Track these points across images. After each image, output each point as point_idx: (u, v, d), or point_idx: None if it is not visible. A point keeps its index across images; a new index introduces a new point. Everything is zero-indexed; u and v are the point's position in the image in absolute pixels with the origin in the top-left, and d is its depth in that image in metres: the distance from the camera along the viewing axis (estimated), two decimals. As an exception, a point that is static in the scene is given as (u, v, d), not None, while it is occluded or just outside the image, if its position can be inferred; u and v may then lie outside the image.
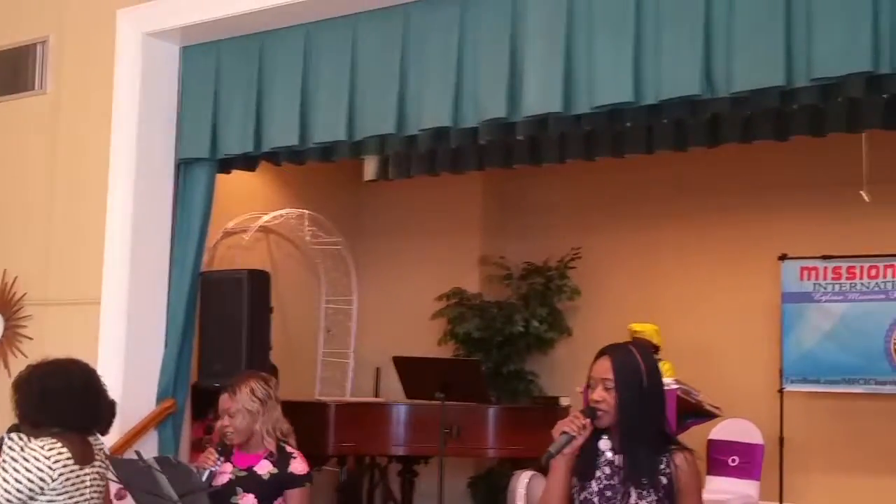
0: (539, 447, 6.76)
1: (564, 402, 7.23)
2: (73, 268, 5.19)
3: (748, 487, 6.91)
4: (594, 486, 2.65)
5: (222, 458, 3.33)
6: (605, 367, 2.68)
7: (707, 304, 7.69)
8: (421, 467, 7.54)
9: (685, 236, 7.91)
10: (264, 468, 3.37)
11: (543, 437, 6.89)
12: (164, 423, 4.97)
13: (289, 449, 3.44)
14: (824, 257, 7.28)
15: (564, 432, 2.73)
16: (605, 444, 2.70)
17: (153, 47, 5.13)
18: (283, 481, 3.37)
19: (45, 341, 5.20)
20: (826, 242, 7.28)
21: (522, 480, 6.34)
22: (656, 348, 6.81)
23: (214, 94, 5.09)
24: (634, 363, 2.68)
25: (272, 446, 3.39)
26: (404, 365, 5.74)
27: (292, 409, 7.14)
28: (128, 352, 4.89)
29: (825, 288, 7.28)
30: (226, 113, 5.06)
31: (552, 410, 7.29)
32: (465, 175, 7.17)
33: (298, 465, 3.41)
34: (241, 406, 3.37)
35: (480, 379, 5.87)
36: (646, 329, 6.84)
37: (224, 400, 3.41)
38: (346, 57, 4.70)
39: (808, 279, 7.33)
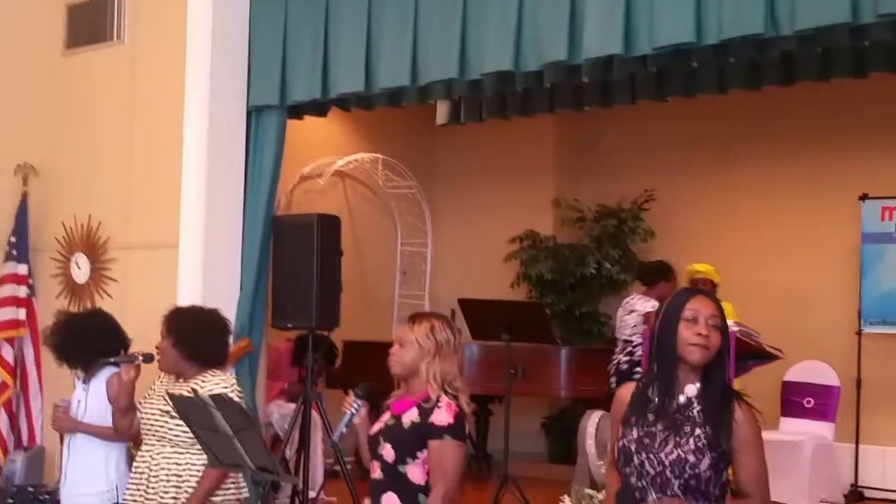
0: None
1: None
2: (153, 213, 5.42)
3: (823, 429, 6.84)
4: (634, 432, 2.58)
5: (360, 402, 3.05)
6: (711, 307, 2.57)
7: (784, 245, 7.55)
8: (495, 406, 7.70)
9: (762, 177, 7.75)
10: (409, 417, 2.98)
11: (615, 379, 6.93)
12: (240, 362, 5.19)
13: (441, 398, 2.98)
14: (907, 196, 7.07)
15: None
16: (693, 389, 2.57)
17: (224, -5, 5.24)
18: (424, 432, 2.93)
19: (128, 283, 5.48)
20: (909, 181, 7.05)
21: (593, 420, 6.42)
22: (715, 287, 6.70)
23: (283, 42, 5.20)
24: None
25: (434, 393, 2.98)
26: (469, 307, 5.84)
27: (367, 349, 7.46)
28: (205, 293, 5.07)
29: (907, 228, 7.08)
30: (294, 60, 5.17)
31: (624, 352, 7.33)
32: (537, 118, 7.17)
33: (441, 416, 2.93)
34: (415, 339, 3.01)
35: (545, 321, 5.94)
36: (707, 269, 6.72)
37: (400, 328, 3.11)
38: (410, 2, 4.74)
39: (890, 219, 7.11)
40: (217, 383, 3.46)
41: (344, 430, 3.00)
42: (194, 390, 3.24)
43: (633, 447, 2.57)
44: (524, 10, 4.42)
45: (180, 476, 3.43)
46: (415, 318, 3.15)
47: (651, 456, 2.53)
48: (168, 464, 3.45)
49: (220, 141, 5.26)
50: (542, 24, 4.36)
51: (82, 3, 5.81)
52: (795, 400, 6.87)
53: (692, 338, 2.54)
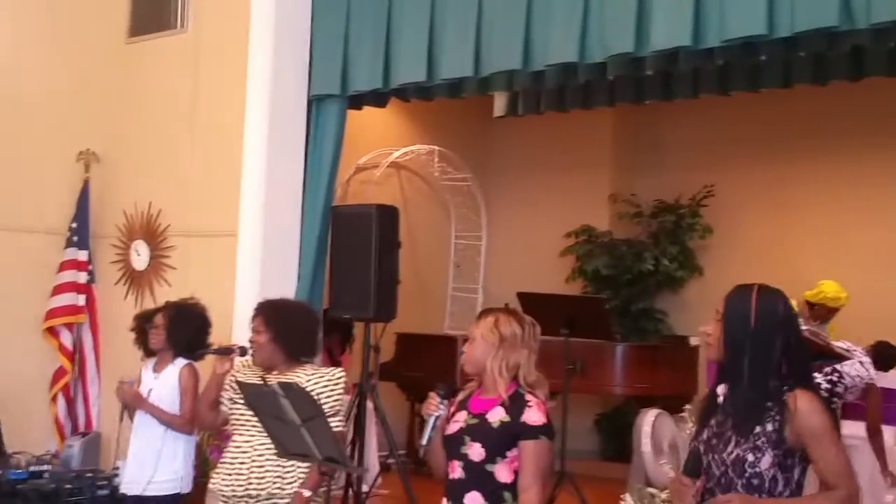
0: (667, 386, 6.76)
1: (693, 341, 7.13)
2: (213, 201, 5.44)
3: (887, 433, 6.66)
4: (705, 433, 2.52)
5: (446, 402, 2.97)
6: (721, 300, 2.57)
7: (848, 244, 7.35)
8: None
9: (824, 174, 7.58)
10: (496, 416, 2.89)
11: (671, 376, 6.86)
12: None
13: (527, 396, 2.90)
14: (980, 195, 6.85)
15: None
16: (721, 388, 2.55)
17: (286, -15, 5.25)
18: (516, 431, 2.86)
19: (188, 271, 5.51)
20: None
21: (649, 418, 6.33)
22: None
23: (345, 32, 5.19)
24: (746, 300, 2.52)
25: (503, 390, 2.90)
26: (529, 301, 5.76)
27: (422, 343, 7.45)
28: (263, 282, 5.11)
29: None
30: (356, 50, 5.15)
31: (681, 349, 7.22)
32: (595, 111, 7.08)
33: (534, 415, 2.85)
34: (479, 334, 2.96)
35: (605, 316, 5.85)
36: (839, 293, 6.15)
37: (471, 325, 3.07)
38: (473, -8, 4.70)
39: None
40: (323, 374, 3.47)
41: (432, 433, 2.93)
42: (263, 378, 3.22)
43: (702, 448, 2.52)
44: (590, 1, 4.36)
45: (284, 466, 3.37)
46: (482, 313, 3.10)
47: (716, 457, 2.47)
48: (271, 454, 3.33)
49: (281, 130, 5.27)
50: (608, 15, 4.30)
51: (146, -9, 5.87)
52: (859, 403, 6.68)
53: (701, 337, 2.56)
